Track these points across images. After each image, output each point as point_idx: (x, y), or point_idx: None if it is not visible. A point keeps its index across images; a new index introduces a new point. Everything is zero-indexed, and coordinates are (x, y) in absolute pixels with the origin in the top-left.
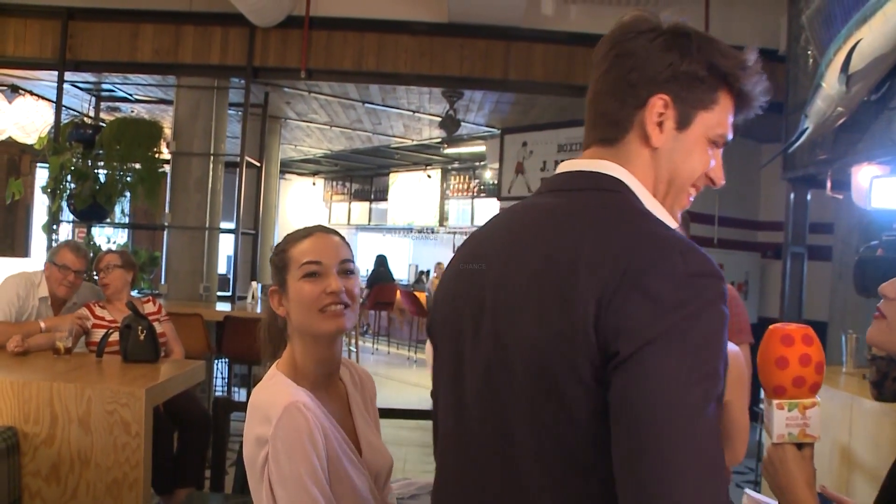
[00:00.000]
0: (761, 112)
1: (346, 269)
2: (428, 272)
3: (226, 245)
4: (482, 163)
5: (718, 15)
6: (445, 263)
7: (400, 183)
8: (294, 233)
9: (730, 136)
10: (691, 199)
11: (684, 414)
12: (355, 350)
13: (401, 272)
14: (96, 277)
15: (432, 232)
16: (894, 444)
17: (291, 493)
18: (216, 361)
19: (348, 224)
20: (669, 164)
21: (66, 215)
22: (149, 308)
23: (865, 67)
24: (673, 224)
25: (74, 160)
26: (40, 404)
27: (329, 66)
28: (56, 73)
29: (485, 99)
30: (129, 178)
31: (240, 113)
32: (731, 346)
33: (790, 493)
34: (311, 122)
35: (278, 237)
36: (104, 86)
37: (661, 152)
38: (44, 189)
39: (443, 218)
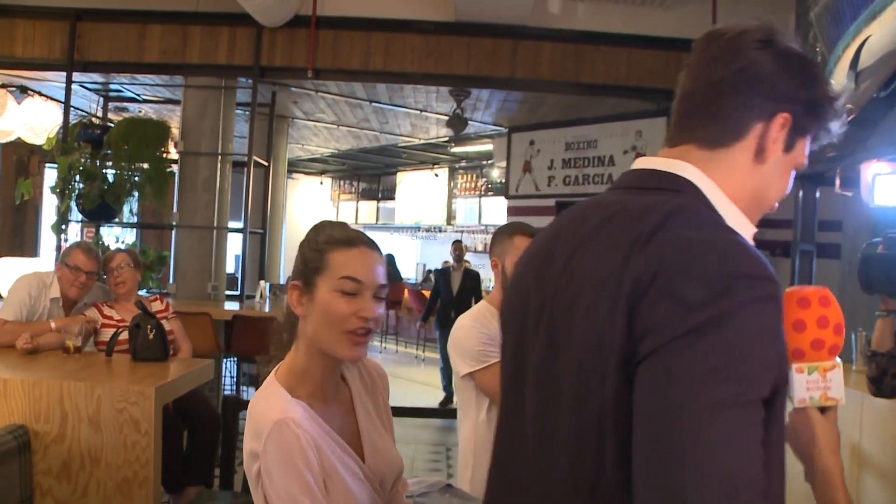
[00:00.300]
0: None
1: (380, 296)
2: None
3: (234, 244)
4: (489, 161)
5: (725, 12)
6: (452, 262)
7: (407, 182)
8: (334, 230)
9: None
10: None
11: (698, 416)
12: None
13: (409, 271)
14: (104, 277)
15: (440, 231)
16: None
17: None
18: (225, 360)
19: (356, 223)
20: (763, 182)
21: (75, 215)
22: (156, 306)
23: (874, 64)
24: (749, 230)
25: (83, 160)
26: (51, 403)
27: (336, 66)
28: (64, 73)
29: (492, 97)
30: (137, 178)
31: (247, 112)
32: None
33: (816, 461)
34: (318, 122)
35: (286, 236)
36: (112, 86)
37: (763, 169)
38: (52, 189)
39: (450, 217)
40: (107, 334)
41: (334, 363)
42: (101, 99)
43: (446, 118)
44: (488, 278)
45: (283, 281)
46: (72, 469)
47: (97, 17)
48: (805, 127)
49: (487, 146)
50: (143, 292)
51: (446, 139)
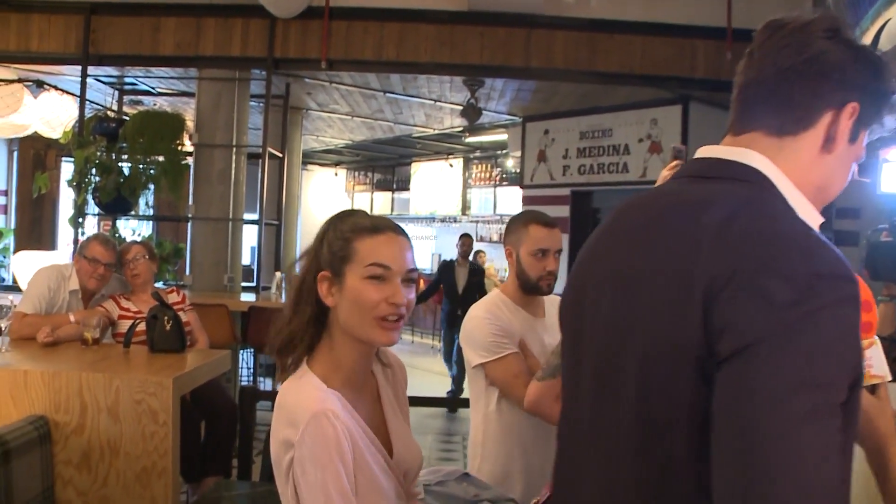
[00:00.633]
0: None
1: (411, 279)
2: (452, 261)
3: (249, 236)
4: (504, 151)
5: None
6: (458, 256)
7: (422, 172)
8: (360, 219)
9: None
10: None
11: (784, 424)
12: None
13: (424, 261)
14: (122, 269)
15: (455, 221)
16: None
17: (315, 499)
18: (241, 351)
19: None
20: (828, 173)
21: (92, 208)
22: (173, 298)
23: (894, 48)
24: (816, 221)
25: (99, 154)
26: (70, 394)
27: (349, 56)
28: (79, 67)
29: (506, 87)
30: (152, 171)
31: (261, 104)
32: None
33: (880, 454)
34: (332, 113)
35: (301, 228)
36: (127, 79)
37: (828, 160)
38: (69, 183)
39: (465, 207)
40: (124, 326)
41: (368, 351)
42: (116, 92)
43: (460, 108)
44: (503, 268)
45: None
46: (92, 459)
47: (111, 10)
48: (869, 118)
49: (502, 136)
50: (159, 284)
51: (461, 129)
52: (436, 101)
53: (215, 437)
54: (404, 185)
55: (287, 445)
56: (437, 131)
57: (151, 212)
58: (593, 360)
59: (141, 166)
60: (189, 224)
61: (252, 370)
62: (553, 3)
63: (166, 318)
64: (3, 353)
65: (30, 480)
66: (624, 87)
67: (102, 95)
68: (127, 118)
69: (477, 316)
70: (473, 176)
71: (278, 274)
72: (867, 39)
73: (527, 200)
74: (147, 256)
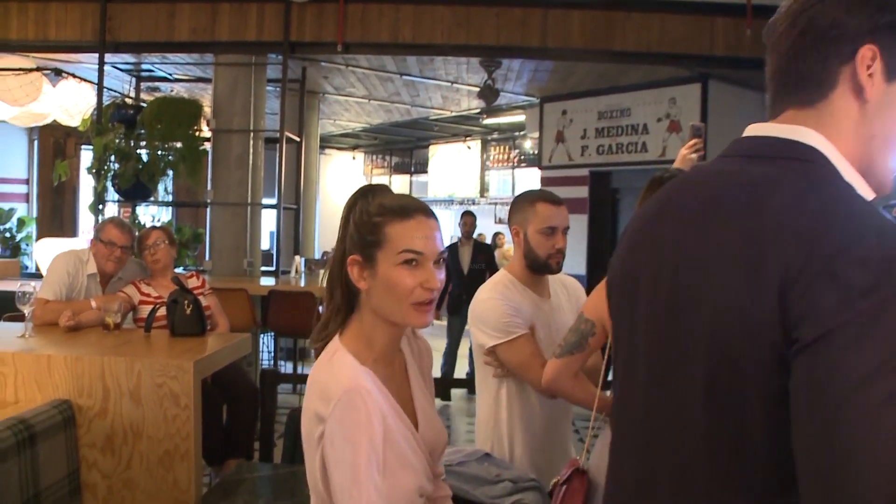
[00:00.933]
0: None
1: (441, 261)
2: (455, 242)
3: (268, 221)
4: (522, 132)
5: None
6: (487, 234)
7: (440, 155)
8: (387, 199)
9: None
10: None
11: (868, 410)
12: None
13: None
14: (142, 254)
15: (473, 203)
16: None
17: (344, 477)
18: (262, 335)
19: None
20: (880, 119)
21: (112, 195)
22: (192, 283)
23: None
24: (869, 196)
25: (117, 141)
26: (92, 378)
27: (365, 40)
28: (97, 55)
29: (523, 68)
30: (170, 157)
31: (278, 89)
32: None
33: None
34: (349, 96)
35: (320, 212)
36: (144, 66)
37: (871, 106)
38: (89, 170)
39: (483, 189)
40: (145, 311)
41: (400, 330)
42: (134, 79)
43: (477, 90)
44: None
45: (317, 256)
46: (115, 442)
47: None
48: None
49: (519, 117)
50: (179, 270)
51: (478, 111)
52: (453, 82)
53: (237, 421)
54: (422, 168)
55: (318, 419)
56: (454, 113)
57: (170, 198)
58: (653, 345)
59: (159, 152)
60: (208, 209)
61: (273, 353)
62: None
63: (186, 302)
64: (26, 338)
65: (55, 463)
66: (642, 66)
67: (120, 83)
68: (144, 105)
69: (488, 297)
70: (491, 158)
71: (297, 258)
72: None
73: (545, 181)
74: (167, 242)
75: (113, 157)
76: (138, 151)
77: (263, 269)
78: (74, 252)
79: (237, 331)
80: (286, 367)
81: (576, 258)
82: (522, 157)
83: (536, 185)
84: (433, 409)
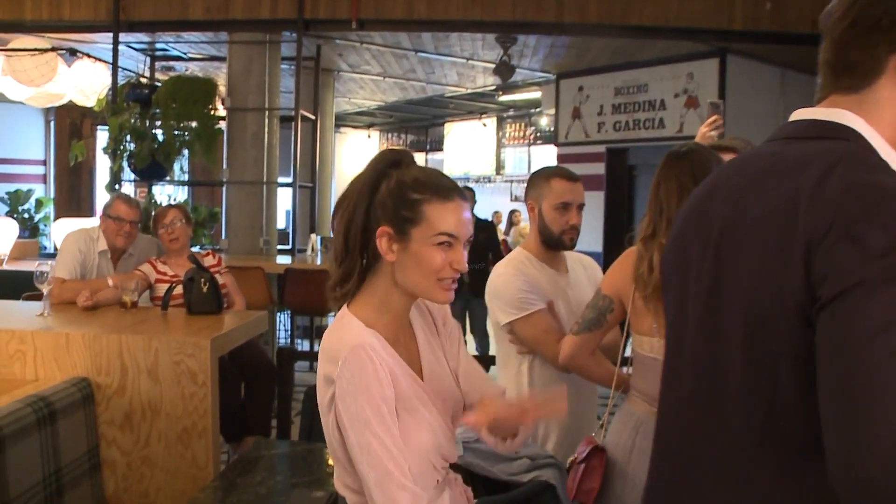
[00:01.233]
0: None
1: (467, 243)
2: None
3: (284, 199)
4: (538, 109)
5: None
6: (503, 212)
7: (455, 133)
8: (425, 177)
9: None
10: None
11: (879, 358)
12: None
13: None
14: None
15: (489, 181)
16: None
17: (357, 433)
18: (279, 313)
19: None
20: None
21: (128, 175)
22: (208, 261)
23: None
24: None
25: (132, 120)
26: (111, 356)
27: (380, 16)
28: (111, 34)
29: (539, 43)
30: (186, 136)
31: (292, 67)
32: None
33: None
34: (364, 74)
35: (335, 191)
36: (158, 45)
37: None
38: (105, 150)
39: (499, 166)
40: (161, 289)
41: (412, 301)
42: (148, 59)
43: (493, 66)
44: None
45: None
46: (133, 420)
47: None
48: None
49: (535, 94)
50: (196, 249)
51: (494, 88)
52: (468, 59)
53: (254, 398)
54: (438, 146)
55: (328, 381)
56: (469, 90)
57: (186, 177)
58: (699, 313)
59: (174, 132)
60: (224, 188)
61: (289, 332)
62: None
63: (203, 280)
64: (45, 317)
65: (75, 440)
66: (659, 41)
67: (134, 62)
68: (159, 84)
69: (504, 273)
70: (507, 135)
71: (313, 236)
72: None
73: (561, 158)
74: (184, 220)
75: (128, 137)
76: (154, 131)
77: (279, 247)
78: (85, 230)
79: (254, 309)
80: (303, 345)
81: (592, 235)
82: (538, 135)
83: (553, 163)
84: (446, 371)
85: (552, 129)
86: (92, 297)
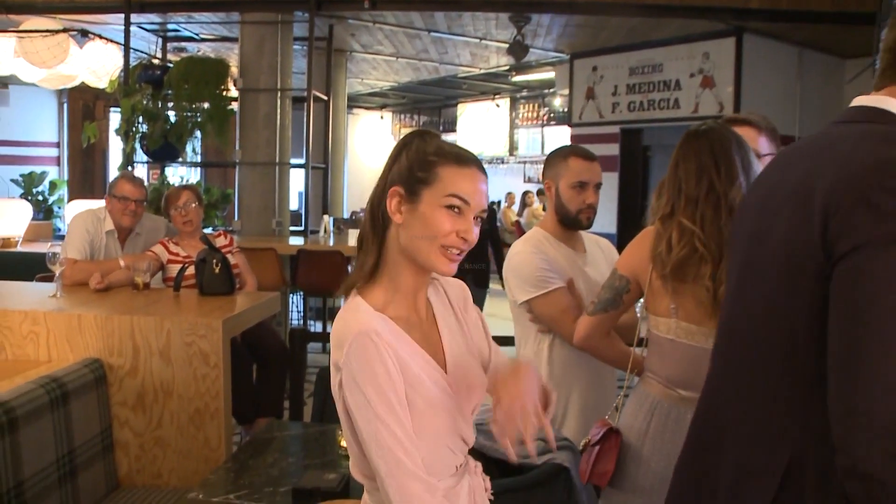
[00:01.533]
0: None
1: (480, 219)
2: (499, 202)
3: (296, 180)
4: (551, 90)
5: None
6: (516, 193)
7: (468, 113)
8: (445, 144)
9: None
10: None
11: (883, 312)
12: None
13: None
14: (170, 214)
15: (502, 162)
16: None
17: (365, 422)
18: (291, 295)
19: None
20: None
21: (140, 156)
22: (220, 242)
23: None
24: None
25: (145, 102)
26: (123, 337)
27: None
28: (122, 15)
29: (553, 23)
30: (198, 117)
31: (305, 47)
32: None
33: None
34: (376, 54)
35: (348, 171)
36: (170, 26)
37: None
38: (117, 131)
39: (513, 147)
40: (173, 270)
41: (424, 278)
42: (160, 40)
43: (507, 46)
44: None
45: (346, 215)
46: (146, 401)
47: None
48: None
49: (549, 74)
50: (209, 230)
51: (507, 68)
52: (481, 38)
53: (267, 380)
54: (451, 127)
55: (336, 368)
56: (482, 71)
57: (199, 158)
58: (737, 268)
59: (187, 113)
60: (236, 169)
61: (302, 313)
62: None
63: (215, 261)
64: (57, 298)
65: (88, 421)
66: (674, 20)
67: (146, 43)
68: (171, 65)
69: (522, 251)
70: (520, 116)
71: (326, 217)
72: None
73: (575, 139)
74: (197, 202)
75: (141, 119)
76: (166, 112)
77: (292, 228)
78: (91, 211)
79: (266, 290)
80: (315, 327)
81: (607, 216)
82: (552, 115)
83: (567, 143)
84: (465, 352)
85: (566, 109)
86: (104, 279)
